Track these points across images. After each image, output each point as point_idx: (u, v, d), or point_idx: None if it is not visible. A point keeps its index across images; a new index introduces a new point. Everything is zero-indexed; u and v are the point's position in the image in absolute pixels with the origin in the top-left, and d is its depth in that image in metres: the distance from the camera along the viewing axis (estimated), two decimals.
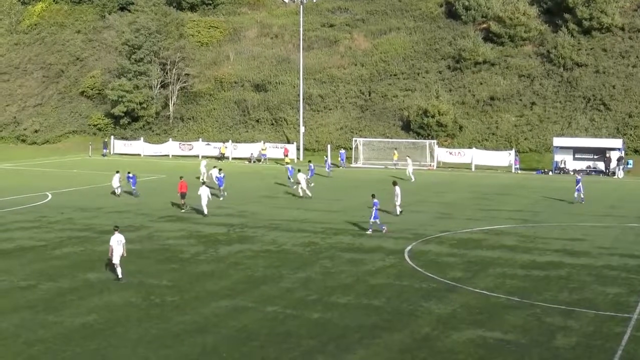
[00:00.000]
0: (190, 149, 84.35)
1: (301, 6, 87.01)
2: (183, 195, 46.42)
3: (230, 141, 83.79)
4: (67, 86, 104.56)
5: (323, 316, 24.11)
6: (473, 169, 71.87)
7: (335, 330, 22.70)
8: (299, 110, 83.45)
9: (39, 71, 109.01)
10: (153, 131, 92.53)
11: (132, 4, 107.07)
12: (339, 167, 73.66)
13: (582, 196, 49.49)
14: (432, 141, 75.80)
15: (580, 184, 49.84)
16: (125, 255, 29.12)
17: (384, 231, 38.37)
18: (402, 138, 79.64)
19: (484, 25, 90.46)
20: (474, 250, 34.44)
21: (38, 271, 30.13)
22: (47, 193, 52.53)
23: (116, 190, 52.42)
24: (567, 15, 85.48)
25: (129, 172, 55.37)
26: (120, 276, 28.58)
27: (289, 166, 60.73)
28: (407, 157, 68.63)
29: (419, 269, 30.53)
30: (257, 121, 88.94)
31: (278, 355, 20.67)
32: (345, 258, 32.68)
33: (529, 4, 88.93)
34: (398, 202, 43.65)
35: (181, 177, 47.99)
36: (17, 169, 59.46)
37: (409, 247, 34.82)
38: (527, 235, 38.34)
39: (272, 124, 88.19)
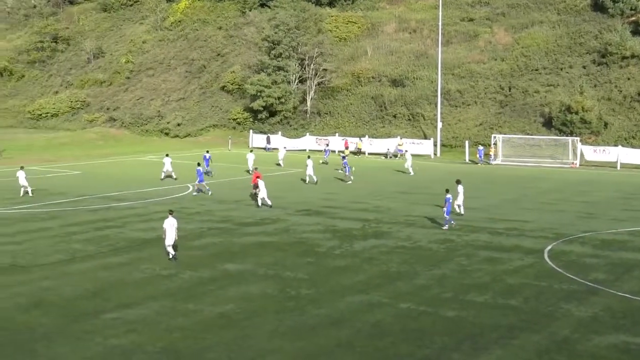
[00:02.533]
0: (327, 144, 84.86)
1: (440, 0, 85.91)
2: (256, 186, 47.27)
3: (366, 136, 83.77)
4: (209, 81, 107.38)
5: (458, 314, 23.64)
6: (618, 168, 68.99)
7: (470, 329, 22.21)
8: (436, 106, 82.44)
9: (182, 66, 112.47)
10: (290, 125, 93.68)
11: (272, 0, 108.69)
12: (476, 163, 72.39)
13: None
14: (575, 138, 73.27)
15: None
16: (177, 238, 31.06)
17: (452, 225, 38.21)
18: (543, 135, 77.40)
19: (633, 19, 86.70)
20: (617, 252, 32.99)
21: (179, 260, 30.93)
22: (188, 185, 54.00)
23: (163, 174, 56.22)
24: None
25: (207, 151, 59.99)
26: (172, 255, 30.86)
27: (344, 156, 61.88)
28: (406, 151, 68.30)
29: (559, 270, 29.50)
30: (394, 116, 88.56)
31: (411, 351, 20.40)
32: (482, 256, 31.98)
33: None
34: (459, 202, 41.97)
35: (256, 168, 50.34)
36: (160, 161, 61.31)
37: (549, 247, 33.71)
38: None
39: (409, 120, 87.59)
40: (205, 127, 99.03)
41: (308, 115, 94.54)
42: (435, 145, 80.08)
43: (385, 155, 79.41)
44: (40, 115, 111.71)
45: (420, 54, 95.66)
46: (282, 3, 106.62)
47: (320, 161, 66.45)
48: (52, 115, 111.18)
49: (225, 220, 40.47)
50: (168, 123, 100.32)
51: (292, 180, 58.85)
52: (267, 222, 39.82)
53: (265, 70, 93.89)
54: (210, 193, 50.18)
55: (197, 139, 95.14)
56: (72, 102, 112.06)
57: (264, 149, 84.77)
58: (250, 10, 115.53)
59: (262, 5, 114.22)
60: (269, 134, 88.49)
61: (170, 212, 31.75)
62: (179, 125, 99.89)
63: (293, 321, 22.92)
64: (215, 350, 20.48)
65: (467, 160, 74.52)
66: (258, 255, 32.04)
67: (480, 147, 74.06)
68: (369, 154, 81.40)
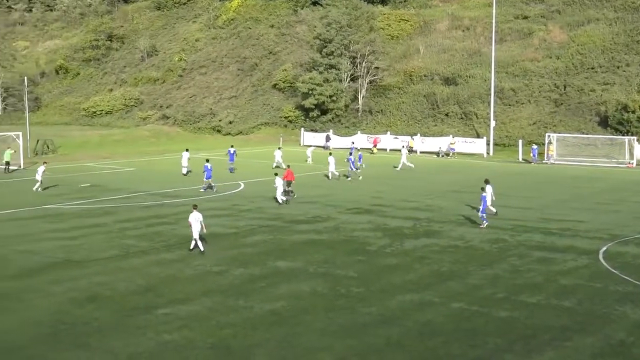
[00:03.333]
0: (352, 142, 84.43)
1: None
2: (289, 183, 47.83)
3: (418, 135, 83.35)
4: (260, 79, 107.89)
5: (511, 315, 23.35)
6: None
7: (523, 330, 21.93)
8: (489, 104, 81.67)
9: (234, 64, 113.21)
10: (342, 124, 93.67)
11: None
12: (529, 163, 71.53)
13: None
14: (632, 138, 71.94)
15: None
16: (205, 231, 31.89)
17: (483, 224, 37.87)
18: (598, 134, 76.19)
19: None
20: None
21: (230, 257, 31.12)
22: (240, 182, 54.30)
23: (183, 169, 57.23)
24: None
25: (231, 146, 61.18)
26: (193, 246, 31.60)
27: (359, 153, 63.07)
28: (402, 147, 68.59)
29: (614, 271, 28.96)
30: (446, 115, 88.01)
31: (463, 351, 20.22)
32: (535, 256, 31.56)
33: None
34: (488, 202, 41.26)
35: (288, 166, 50.48)
36: (213, 158, 61.68)
37: (604, 248, 33.13)
38: None
39: (462, 118, 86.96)
40: (256, 125, 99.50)
41: (359, 114, 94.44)
42: (488, 144, 79.32)
43: (437, 154, 78.89)
44: (95, 112, 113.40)
45: (474, 52, 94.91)
46: (334, 1, 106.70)
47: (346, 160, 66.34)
48: (106, 113, 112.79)
49: (276, 218, 40.59)
50: (220, 121, 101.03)
51: (341, 178, 58.77)
52: (317, 220, 39.85)
53: (317, 69, 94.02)
54: (214, 190, 50.48)
55: (249, 137, 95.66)
56: (125, 99, 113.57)
57: (323, 147, 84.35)
58: (302, 9, 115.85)
59: (314, 3, 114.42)
60: (328, 133, 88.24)
61: (195, 207, 32.52)
62: (230, 123, 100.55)
63: (343, 319, 22.88)
64: (265, 347, 20.54)
65: (520, 159, 73.65)
66: (308, 253, 32.08)
67: (534, 146, 73.06)
68: (421, 152, 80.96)
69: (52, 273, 28.42)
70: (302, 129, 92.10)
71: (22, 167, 63.96)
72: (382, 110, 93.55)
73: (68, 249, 32.55)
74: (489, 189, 40.28)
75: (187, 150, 61.13)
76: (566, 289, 26.44)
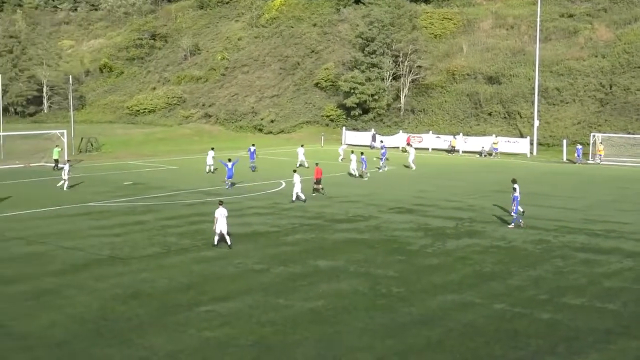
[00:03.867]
0: (420, 142, 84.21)
1: None
2: (318, 181, 48.34)
3: (460, 134, 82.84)
4: (302, 78, 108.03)
5: (553, 317, 23.09)
6: None
7: (566, 332, 21.68)
8: (533, 104, 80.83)
9: (276, 63, 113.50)
10: (384, 123, 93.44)
11: None
12: (574, 163, 70.69)
13: None
14: None
15: None
16: (228, 229, 32.49)
17: (519, 224, 37.62)
18: None
19: None
20: None
21: (271, 256, 31.20)
22: (281, 181, 54.43)
23: (207, 167, 57.95)
24: None
25: (252, 144, 61.57)
26: (229, 244, 32.30)
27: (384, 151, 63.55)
28: (409, 145, 68.71)
29: None
30: (489, 114, 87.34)
31: (505, 353, 20.05)
32: (579, 258, 31.17)
33: None
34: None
35: (317, 164, 50.54)
36: (266, 158, 62.29)
37: None
38: None
39: (505, 118, 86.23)
40: (298, 124, 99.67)
41: (402, 113, 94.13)
42: (531, 144, 78.52)
43: (480, 153, 78.30)
44: (138, 110, 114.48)
45: (517, 50, 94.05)
46: (376, 0, 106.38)
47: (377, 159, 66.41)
48: (149, 111, 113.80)
49: (317, 217, 40.62)
50: (262, 119, 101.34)
51: (382, 177, 58.70)
52: (358, 220, 39.80)
53: (358, 67, 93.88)
54: (227, 188, 50.90)
55: (290, 136, 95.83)
56: (168, 98, 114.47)
57: (369, 146, 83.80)
58: (344, 7, 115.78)
59: (357, 2, 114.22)
60: (374, 132, 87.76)
61: (220, 203, 33.00)
62: (272, 121, 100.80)
63: (383, 319, 22.82)
64: (305, 345, 20.56)
65: (564, 159, 72.81)
66: (349, 252, 32.04)
67: (579, 146, 72.17)
68: (463, 152, 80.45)
69: (96, 269, 28.75)
70: (344, 128, 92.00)
71: (60, 165, 64.76)
72: (424, 110, 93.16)
73: (112, 246, 32.90)
74: (517, 188, 39.90)
75: (212, 149, 61.49)
76: (610, 291, 26.07)
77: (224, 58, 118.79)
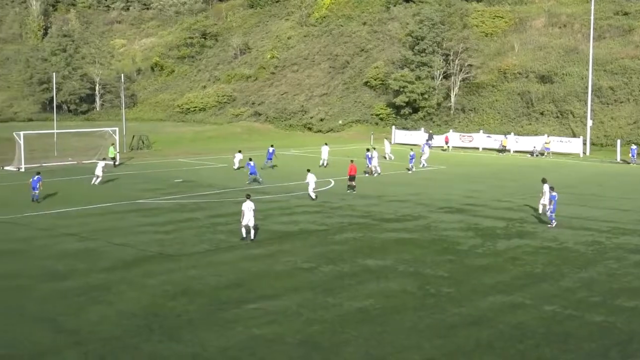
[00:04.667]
0: (470, 141, 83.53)
1: None
2: (352, 178, 48.97)
3: (512, 133, 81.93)
4: (352, 76, 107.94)
5: (606, 319, 22.66)
6: None
7: (619, 336, 21.27)
8: (586, 103, 79.60)
9: (325, 62, 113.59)
10: (434, 122, 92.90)
11: None
12: (628, 163, 69.43)
13: None
14: None
15: None
16: (255, 222, 33.50)
17: (553, 225, 37.13)
18: None
19: None
20: None
21: (319, 254, 31.17)
22: (330, 180, 54.38)
23: (237, 164, 58.78)
24: None
25: (271, 145, 61.80)
26: (253, 237, 33.23)
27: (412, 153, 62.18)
28: (385, 139, 68.49)
29: None
30: (541, 114, 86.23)
31: (555, 356, 19.74)
32: (633, 260, 30.55)
33: None
34: (544, 201, 39.47)
35: (352, 161, 50.56)
36: (304, 155, 62.31)
37: None
38: None
39: (557, 117, 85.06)
40: (347, 123, 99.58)
41: (452, 112, 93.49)
42: (584, 143, 77.31)
43: (532, 153, 77.31)
44: (189, 109, 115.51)
45: (570, 49, 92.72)
46: None
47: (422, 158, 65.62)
48: (199, 110, 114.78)
49: (366, 216, 40.50)
50: (311, 118, 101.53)
51: (432, 176, 58.35)
52: (407, 219, 39.58)
53: (408, 66, 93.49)
54: (247, 183, 52.32)
55: (340, 134, 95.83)
56: (218, 96, 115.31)
57: (427, 146, 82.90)
58: (394, 6, 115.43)
59: (407, 0, 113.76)
60: (431, 131, 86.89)
61: (248, 196, 34.04)
62: (321, 120, 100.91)
63: (432, 319, 22.64)
64: (353, 344, 20.48)
65: (618, 159, 71.56)
66: (398, 251, 31.87)
67: (633, 147, 70.80)
68: (514, 151, 79.58)
69: (146, 266, 29.02)
70: (393, 127, 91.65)
71: (118, 162, 65.53)
72: (474, 109, 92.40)
73: (161, 243, 33.18)
74: (546, 187, 39.22)
75: (239, 151, 61.69)
76: None
77: (273, 57, 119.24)
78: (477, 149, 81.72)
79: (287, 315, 22.91)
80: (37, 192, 44.41)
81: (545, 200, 39.32)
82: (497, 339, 20.98)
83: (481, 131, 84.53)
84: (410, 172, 59.92)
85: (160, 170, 61.64)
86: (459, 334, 21.34)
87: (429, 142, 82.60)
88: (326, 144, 65.70)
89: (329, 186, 51.86)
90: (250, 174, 53.08)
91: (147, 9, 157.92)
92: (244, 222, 33.16)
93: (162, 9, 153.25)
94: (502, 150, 79.78)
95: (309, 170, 46.97)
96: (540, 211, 39.87)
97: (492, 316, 22.95)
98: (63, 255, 30.85)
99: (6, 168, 61.45)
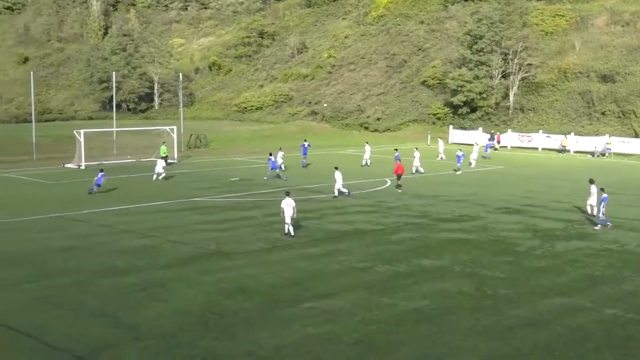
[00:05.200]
0: (529, 141, 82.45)
1: None
2: (399, 177, 49.45)
3: (572, 133, 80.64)
4: (409, 76, 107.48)
5: None
6: None
7: None
8: None
9: (382, 61, 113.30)
10: (492, 121, 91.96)
11: None
12: None
13: None
14: None
15: None
16: (295, 216, 33.97)
17: (607, 226, 36.33)
18: None
19: None
20: None
21: (375, 254, 31.03)
22: (386, 179, 54.18)
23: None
24: None
25: (305, 140, 61.19)
26: (293, 234, 33.84)
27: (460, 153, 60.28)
28: (366, 143, 66.24)
29: None
30: (603, 113, 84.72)
31: None
32: None
33: None
34: (592, 202, 38.74)
35: (399, 160, 51.62)
36: (359, 155, 62.09)
37: None
38: None
39: (619, 117, 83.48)
40: (404, 122, 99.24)
41: (510, 112, 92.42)
42: None
43: (592, 153, 75.97)
44: (246, 108, 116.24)
45: (634, 48, 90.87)
46: None
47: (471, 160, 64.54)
48: (256, 109, 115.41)
49: (422, 216, 40.22)
50: (368, 117, 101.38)
51: (490, 176, 57.74)
52: (465, 219, 39.20)
53: (466, 65, 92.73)
54: (265, 178, 53.53)
55: (396, 134, 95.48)
56: (275, 95, 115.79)
57: (491, 146, 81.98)
58: (452, 5, 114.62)
59: None
60: (492, 131, 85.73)
61: (287, 193, 34.64)
62: (378, 119, 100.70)
63: (489, 320, 22.35)
64: (409, 345, 20.32)
65: None
66: (455, 251, 31.57)
67: None
68: (574, 152, 78.32)
69: (202, 263, 29.22)
70: (451, 126, 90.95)
71: (176, 160, 66.20)
72: (534, 108, 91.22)
73: (217, 241, 33.38)
74: (593, 189, 38.63)
75: (280, 149, 61.45)
76: None
77: (330, 56, 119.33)
78: (536, 149, 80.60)
79: (342, 314, 22.84)
80: (97, 188, 46.01)
81: (592, 200, 38.63)
82: (555, 341, 20.62)
83: (540, 131, 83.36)
84: (458, 172, 58.78)
85: (217, 168, 62.12)
86: (516, 336, 21.04)
87: (491, 142, 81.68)
88: (367, 143, 65.39)
89: (385, 186, 51.66)
90: (272, 169, 54.51)
91: (205, 8, 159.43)
92: (286, 220, 33.91)
93: (219, 8, 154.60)
94: (562, 150, 78.58)
95: (336, 168, 46.44)
96: (589, 212, 39.21)
97: (550, 318, 22.57)
98: (122, 251, 31.25)
99: (67, 165, 62.56)
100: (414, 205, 43.73)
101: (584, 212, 41.02)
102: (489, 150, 74.25)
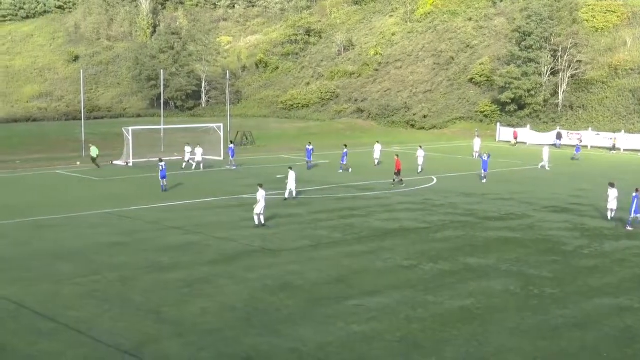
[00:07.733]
0: (578, 139, 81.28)
1: None
2: (398, 172, 50.02)
3: (622, 131, 79.36)
4: (456, 73, 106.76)
5: None
6: None
7: None
8: None
9: (429, 58, 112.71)
10: (540, 119, 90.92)
11: None
12: None
13: None
14: None
15: None
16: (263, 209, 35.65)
17: (629, 228, 35.66)
18: None
19: None
20: None
21: (420, 252, 30.91)
22: (433, 177, 53.91)
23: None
24: None
25: (345, 145, 59.59)
26: (264, 223, 35.68)
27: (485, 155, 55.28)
28: (476, 136, 66.99)
29: None
30: None
31: None
32: None
33: None
34: (610, 206, 37.94)
35: (397, 155, 52.14)
36: (406, 152, 61.79)
37: None
38: None
39: None
40: (451, 120, 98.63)
41: (559, 109, 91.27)
42: None
43: None
44: (292, 105, 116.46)
45: None
46: None
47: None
48: (303, 106, 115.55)
49: (468, 214, 39.94)
50: (414, 115, 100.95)
51: (537, 175, 57.10)
52: (511, 218, 38.85)
53: (515, 62, 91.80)
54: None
55: (443, 132, 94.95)
56: (322, 93, 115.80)
57: (554, 145, 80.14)
58: (501, 1, 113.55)
59: None
60: (559, 130, 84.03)
61: (260, 185, 36.60)
62: (425, 117, 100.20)
63: (535, 320, 22.13)
64: (453, 344, 20.20)
65: None
66: (501, 250, 31.31)
67: None
68: (625, 150, 77.06)
69: (248, 260, 29.37)
70: (498, 123, 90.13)
71: (222, 157, 66.51)
72: (583, 106, 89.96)
73: (263, 238, 33.51)
74: (612, 191, 37.94)
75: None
76: None
77: (377, 53, 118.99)
78: (586, 147, 79.45)
79: (387, 312, 22.79)
80: (165, 181, 47.53)
81: (613, 204, 37.87)
82: (603, 342, 20.36)
83: (590, 129, 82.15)
84: (484, 180, 53.11)
85: (263, 166, 62.34)
86: (563, 336, 20.80)
87: (558, 140, 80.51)
88: (378, 142, 64.66)
89: (432, 184, 51.40)
90: (308, 159, 59.28)
91: (253, 6, 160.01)
92: (256, 210, 35.76)
93: (267, 6, 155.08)
94: (612, 148, 77.35)
95: (290, 168, 45.19)
96: (609, 217, 38.36)
97: (597, 319, 22.29)
98: (167, 248, 31.54)
99: (115, 162, 63.26)
100: (460, 203, 43.44)
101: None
102: (579, 151, 71.49)
